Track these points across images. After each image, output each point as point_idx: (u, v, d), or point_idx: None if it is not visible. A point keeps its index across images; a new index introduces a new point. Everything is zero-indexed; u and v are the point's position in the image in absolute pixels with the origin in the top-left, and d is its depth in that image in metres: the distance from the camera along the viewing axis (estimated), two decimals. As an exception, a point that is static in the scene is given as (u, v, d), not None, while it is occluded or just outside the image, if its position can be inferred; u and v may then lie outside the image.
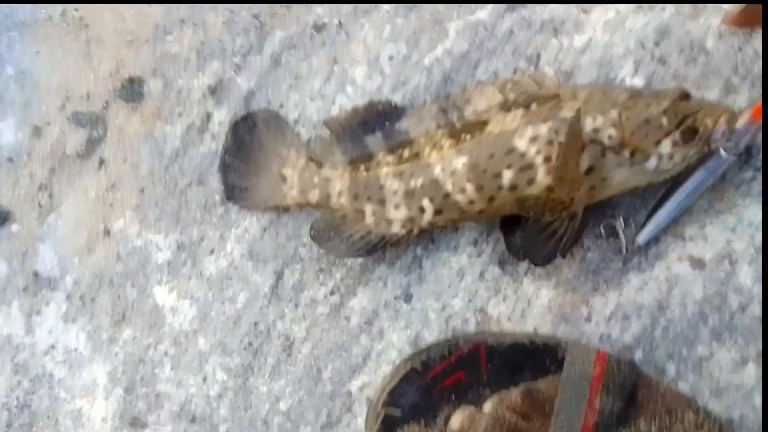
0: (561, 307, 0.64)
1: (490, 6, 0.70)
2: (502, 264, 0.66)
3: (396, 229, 0.65)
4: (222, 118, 0.73)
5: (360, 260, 0.68)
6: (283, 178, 0.68)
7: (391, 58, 0.71)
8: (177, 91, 0.75)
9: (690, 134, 0.58)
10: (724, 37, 0.65)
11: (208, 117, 0.74)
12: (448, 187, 0.62)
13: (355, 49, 0.72)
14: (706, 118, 0.58)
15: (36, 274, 0.75)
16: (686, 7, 0.66)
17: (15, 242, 0.76)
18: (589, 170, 0.59)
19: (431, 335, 0.66)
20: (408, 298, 0.67)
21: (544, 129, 0.60)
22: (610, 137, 0.58)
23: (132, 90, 0.76)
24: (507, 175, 0.60)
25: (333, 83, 0.72)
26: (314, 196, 0.67)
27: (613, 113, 0.58)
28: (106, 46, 0.77)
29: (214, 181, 0.72)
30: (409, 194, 0.63)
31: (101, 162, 0.76)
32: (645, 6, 0.67)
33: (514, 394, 0.55)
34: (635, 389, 0.56)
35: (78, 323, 0.74)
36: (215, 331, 0.71)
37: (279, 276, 0.70)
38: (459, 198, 0.62)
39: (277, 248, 0.70)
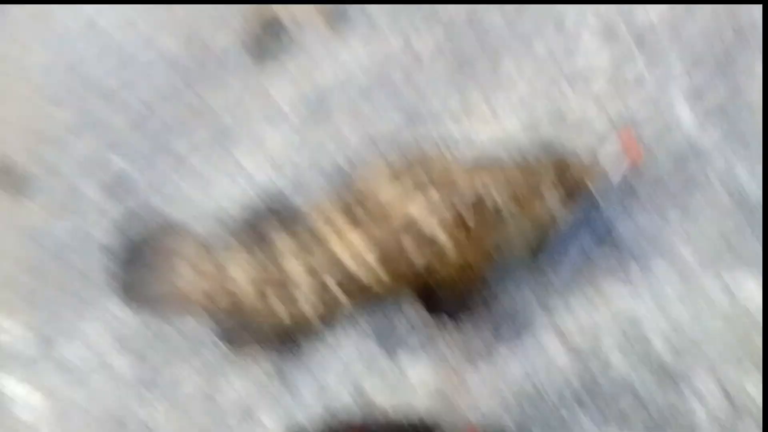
0: (435, 381, 0.62)
1: (388, 121, 0.73)
2: (381, 343, 0.63)
3: (308, 314, 0.62)
4: (116, 212, 0.71)
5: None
6: (178, 273, 0.64)
7: (296, 165, 0.73)
8: (71, 186, 0.73)
9: (573, 190, 0.63)
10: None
11: (101, 212, 0.72)
12: (360, 275, 0.61)
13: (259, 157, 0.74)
14: (583, 175, 0.64)
15: None
16: (566, 127, 0.71)
17: None
18: (497, 243, 0.61)
19: (307, 416, 0.61)
20: (285, 380, 0.62)
21: (448, 214, 0.61)
22: (508, 207, 0.61)
23: (20, 182, 0.74)
24: (420, 262, 0.61)
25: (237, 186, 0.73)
26: (211, 286, 0.63)
27: (509, 189, 0.62)
28: (6, 141, 0.77)
29: (80, 262, 0.68)
30: (314, 278, 0.61)
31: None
32: (529, 125, 0.72)
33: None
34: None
35: None
36: (73, 427, 0.62)
37: (147, 362, 0.64)
38: (373, 285, 0.61)
39: (147, 332, 0.65)
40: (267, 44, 0.79)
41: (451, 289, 0.62)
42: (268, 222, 0.65)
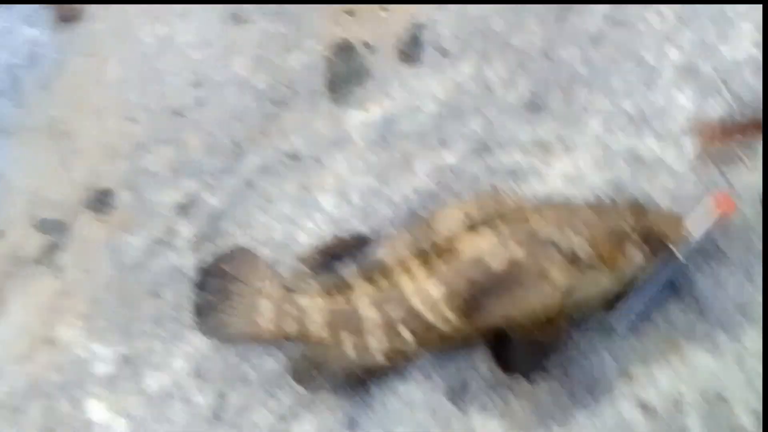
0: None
1: (458, 152, 0.73)
2: (453, 399, 0.64)
3: (379, 360, 0.63)
4: (188, 234, 0.74)
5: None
6: (259, 311, 0.66)
7: (361, 191, 0.73)
8: (146, 204, 0.76)
9: (656, 245, 0.62)
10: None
11: (174, 232, 0.74)
12: (429, 317, 0.62)
13: (326, 180, 0.75)
14: (666, 228, 0.62)
15: (-32, 381, 0.71)
16: (642, 168, 0.70)
17: (-48, 344, 0.73)
18: (570, 287, 0.60)
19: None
20: (356, 428, 0.64)
21: (520, 253, 0.61)
22: (586, 254, 0.60)
23: (102, 201, 0.77)
24: (486, 303, 0.61)
25: (302, 209, 0.74)
26: (291, 326, 0.65)
27: (585, 231, 0.61)
28: (86, 157, 0.79)
29: (170, 296, 0.71)
30: (389, 325, 0.63)
31: (59, 269, 0.74)
32: (603, 163, 0.71)
33: None
34: None
35: (2, 435, 0.69)
36: (147, 452, 0.66)
37: (223, 398, 0.67)
38: (442, 327, 0.62)
39: (225, 368, 0.68)
40: (337, 69, 0.79)
41: (523, 341, 0.62)
42: (344, 263, 0.67)
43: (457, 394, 0.64)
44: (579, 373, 0.64)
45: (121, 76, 0.83)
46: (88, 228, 0.76)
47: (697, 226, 0.63)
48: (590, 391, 0.63)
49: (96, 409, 0.68)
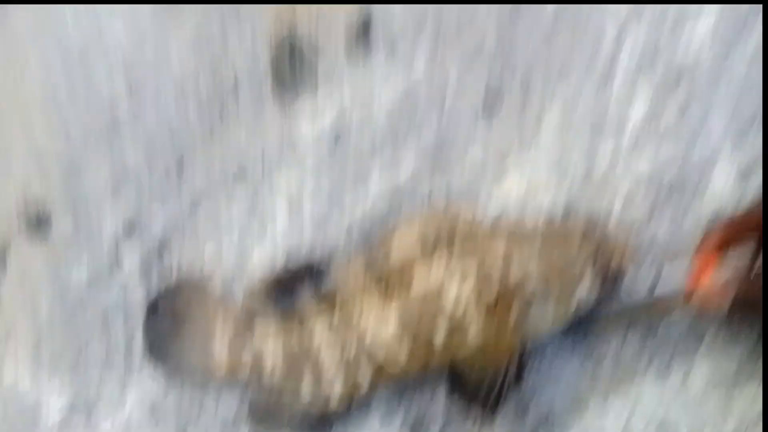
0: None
1: (411, 168, 0.70)
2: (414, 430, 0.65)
3: (334, 404, 0.63)
4: (133, 264, 0.70)
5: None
6: (212, 352, 0.64)
7: (312, 215, 0.70)
8: (86, 229, 0.72)
9: (607, 271, 0.61)
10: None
11: (118, 262, 0.71)
12: (381, 358, 0.61)
13: (276, 202, 0.71)
14: (616, 254, 0.62)
15: None
16: (595, 184, 0.68)
17: None
18: (518, 321, 0.60)
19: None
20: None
21: (468, 287, 0.60)
22: (536, 286, 0.60)
23: (39, 226, 0.72)
24: (438, 339, 0.60)
25: (252, 235, 0.71)
26: (245, 369, 0.63)
27: (535, 262, 0.60)
28: (16, 177, 0.74)
29: (119, 332, 0.69)
30: (345, 362, 0.62)
31: (-3, 304, 0.71)
32: (557, 179, 0.69)
33: None
34: None
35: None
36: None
37: (182, 435, 0.66)
38: (392, 368, 0.61)
39: (180, 409, 0.67)
40: (283, 71, 0.74)
41: (476, 373, 0.62)
42: (296, 295, 0.65)
43: (417, 429, 0.64)
44: (534, 410, 0.64)
45: (47, 83, 0.76)
46: (26, 256, 0.72)
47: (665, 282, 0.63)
48: (548, 426, 0.64)
49: (47, 453, 0.67)
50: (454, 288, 0.60)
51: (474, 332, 0.60)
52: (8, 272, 0.72)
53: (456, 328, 0.60)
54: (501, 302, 0.60)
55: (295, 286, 0.66)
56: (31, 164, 0.74)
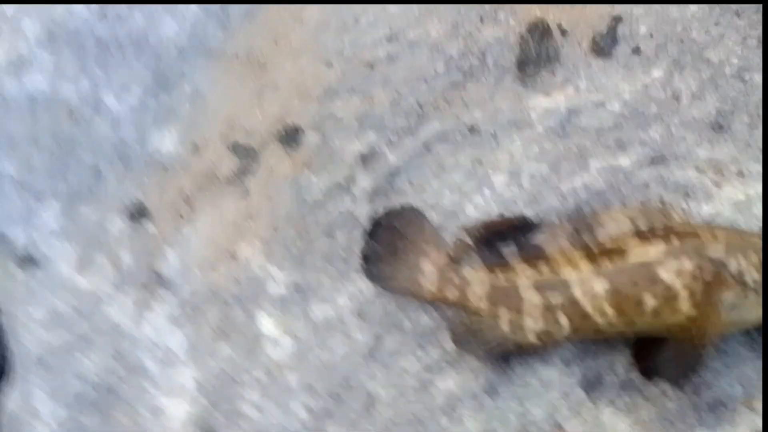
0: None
1: (633, 158, 0.76)
2: (587, 389, 0.71)
3: (531, 339, 0.69)
4: (366, 185, 0.80)
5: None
6: (422, 272, 0.73)
7: (532, 175, 0.78)
8: (331, 148, 0.82)
9: None
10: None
11: (353, 180, 0.81)
12: (588, 308, 0.67)
13: (500, 158, 0.79)
14: None
15: (158, 275, 0.82)
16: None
17: (147, 241, 0.83)
18: (731, 307, 0.65)
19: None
20: (493, 394, 0.72)
21: (689, 265, 0.65)
22: (753, 280, 0.65)
23: (291, 137, 0.84)
24: (650, 303, 0.66)
25: (473, 182, 0.79)
26: (452, 293, 0.71)
27: (755, 258, 0.65)
28: (279, 92, 0.86)
29: (343, 238, 0.79)
30: (548, 309, 0.68)
31: (246, 192, 0.83)
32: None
33: None
34: None
35: (184, 329, 0.80)
36: (308, 373, 0.76)
37: (380, 340, 0.75)
38: (598, 320, 0.67)
39: (384, 314, 0.76)
40: (529, 48, 0.82)
41: (677, 349, 0.67)
42: (505, 243, 0.72)
43: (591, 386, 0.71)
44: (707, 392, 0.69)
45: (320, 18, 0.87)
46: (275, 160, 0.83)
47: None
48: (714, 410, 0.68)
49: (266, 324, 0.78)
50: (673, 263, 0.65)
51: (687, 306, 0.65)
52: (261, 167, 0.83)
53: (671, 297, 0.65)
54: (718, 284, 0.65)
55: (504, 234, 0.73)
56: (295, 88, 0.85)
